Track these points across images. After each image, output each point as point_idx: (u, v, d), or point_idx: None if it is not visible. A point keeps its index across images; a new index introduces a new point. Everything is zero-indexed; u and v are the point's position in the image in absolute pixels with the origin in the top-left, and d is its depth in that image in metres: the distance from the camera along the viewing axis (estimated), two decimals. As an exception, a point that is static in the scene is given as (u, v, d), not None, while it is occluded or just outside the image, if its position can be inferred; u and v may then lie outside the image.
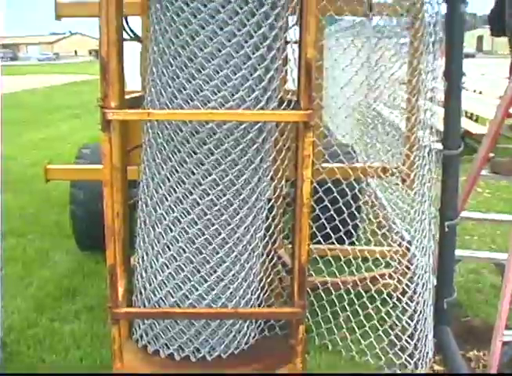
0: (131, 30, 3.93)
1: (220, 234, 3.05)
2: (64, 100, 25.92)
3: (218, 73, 2.86)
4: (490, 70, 18.36)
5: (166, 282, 3.14)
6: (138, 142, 3.35)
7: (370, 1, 3.64)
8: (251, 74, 2.90)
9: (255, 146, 3.00)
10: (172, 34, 2.91)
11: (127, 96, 3.36)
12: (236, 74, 2.87)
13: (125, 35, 3.58)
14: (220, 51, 2.84)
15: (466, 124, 11.91)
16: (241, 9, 2.81)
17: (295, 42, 3.16)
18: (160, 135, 3.05)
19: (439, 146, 3.82)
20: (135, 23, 4.00)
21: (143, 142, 3.22)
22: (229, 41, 2.83)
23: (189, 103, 2.91)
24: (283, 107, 3.17)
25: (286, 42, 3.33)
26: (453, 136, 3.78)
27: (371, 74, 3.96)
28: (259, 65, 2.91)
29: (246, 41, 2.85)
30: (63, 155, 11.12)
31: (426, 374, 3.73)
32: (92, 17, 4.22)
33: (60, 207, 7.62)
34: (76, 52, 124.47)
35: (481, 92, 15.77)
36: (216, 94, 2.88)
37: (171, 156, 3.03)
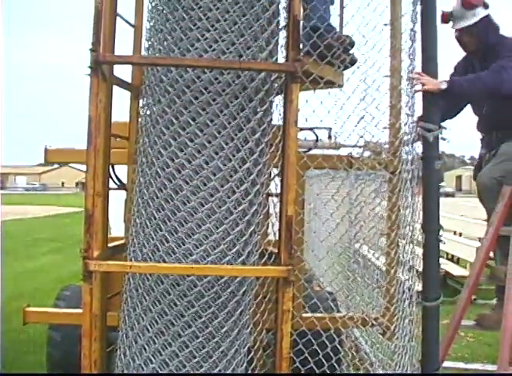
0: (118, 179, 4.04)
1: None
2: (48, 232, 25.90)
3: (200, 227, 2.93)
4: (469, 211, 18.68)
5: None
6: (119, 288, 3.36)
7: (349, 158, 3.79)
8: (233, 229, 2.96)
9: (235, 299, 3.01)
10: (157, 188, 3.01)
11: (110, 244, 3.39)
12: (218, 228, 2.93)
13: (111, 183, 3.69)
14: (203, 205, 2.92)
15: (447, 265, 12.01)
16: (224, 165, 2.92)
17: (277, 195, 3.25)
18: (141, 285, 3.06)
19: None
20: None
21: (124, 290, 3.22)
22: (212, 196, 2.93)
23: (171, 256, 2.95)
24: (263, 260, 3.20)
25: (268, 195, 3.42)
26: (432, 288, 3.80)
27: (352, 210, 4.06)
28: (240, 219, 2.98)
29: (228, 197, 2.94)
30: (44, 290, 10.96)
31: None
32: (80, 164, 4.35)
33: (37, 347, 7.42)
34: (63, 183, 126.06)
35: (461, 234, 16.02)
36: (198, 248, 2.93)
37: (151, 307, 3.02)
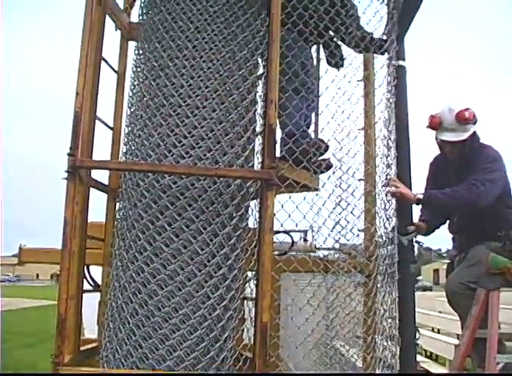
0: (93, 279, 3.99)
1: None
2: (20, 326, 25.23)
3: (174, 332, 2.89)
4: (447, 306, 18.53)
5: None
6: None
7: (325, 261, 3.79)
8: (207, 334, 2.93)
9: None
10: (131, 292, 3.00)
11: (83, 347, 3.32)
12: (192, 333, 2.89)
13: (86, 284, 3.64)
14: (177, 311, 2.90)
15: (425, 364, 11.81)
16: (200, 271, 2.93)
17: (251, 299, 3.23)
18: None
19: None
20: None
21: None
22: (187, 301, 2.91)
23: (144, 362, 2.90)
24: (238, 365, 3.14)
25: (244, 299, 3.39)
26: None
27: (328, 314, 4.01)
28: (215, 325, 2.95)
29: (203, 303, 2.93)
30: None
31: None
32: (53, 264, 4.31)
33: None
34: (37, 275, 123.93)
35: (439, 331, 15.89)
36: (172, 354, 2.88)
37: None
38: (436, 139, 4.61)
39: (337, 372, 4.00)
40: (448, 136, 4.47)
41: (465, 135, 4.41)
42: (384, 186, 3.77)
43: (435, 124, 4.49)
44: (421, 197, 3.95)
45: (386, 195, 3.76)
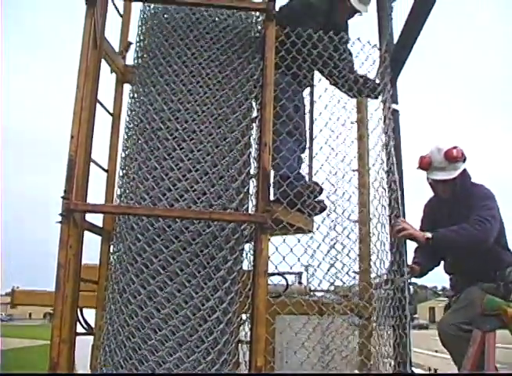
0: (86, 322, 3.96)
1: None
2: (10, 368, 24.87)
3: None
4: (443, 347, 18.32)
5: None
6: None
7: (320, 304, 3.77)
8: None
9: None
10: (125, 336, 2.97)
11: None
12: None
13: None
14: (171, 355, 2.86)
15: (423, 404, 11.65)
16: (194, 315, 2.91)
17: (246, 343, 3.19)
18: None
19: None
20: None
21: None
22: (181, 345, 2.89)
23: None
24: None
25: (238, 342, 3.36)
26: None
27: (324, 356, 3.96)
28: (209, 369, 2.91)
29: (197, 347, 2.90)
30: None
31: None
32: (46, 306, 4.27)
33: None
34: (30, 314, 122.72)
35: (436, 371, 15.70)
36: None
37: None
38: (427, 179, 4.64)
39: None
40: (438, 175, 4.50)
41: (455, 173, 4.44)
42: (392, 226, 3.78)
43: (425, 164, 4.53)
44: (430, 235, 3.95)
45: (391, 236, 3.76)
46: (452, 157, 4.41)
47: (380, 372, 3.67)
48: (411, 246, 4.22)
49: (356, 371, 3.94)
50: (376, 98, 3.98)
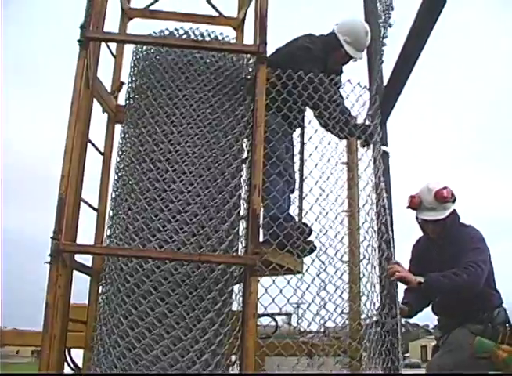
0: (74, 363, 3.92)
1: None
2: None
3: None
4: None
5: None
6: None
7: (310, 346, 3.74)
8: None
9: None
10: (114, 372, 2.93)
11: None
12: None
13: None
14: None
15: None
16: (182, 357, 2.88)
17: None
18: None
19: None
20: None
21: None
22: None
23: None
24: None
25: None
26: None
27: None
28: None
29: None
30: None
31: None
32: (33, 346, 4.23)
33: None
34: (18, 351, 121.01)
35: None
36: None
37: None
38: (417, 218, 4.64)
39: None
40: (428, 215, 4.51)
41: (445, 214, 4.45)
42: (386, 269, 3.78)
43: (415, 204, 4.53)
44: (422, 280, 3.95)
45: (382, 278, 3.75)
46: (443, 198, 4.42)
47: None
48: (402, 288, 4.22)
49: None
50: (368, 143, 4.01)
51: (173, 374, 2.90)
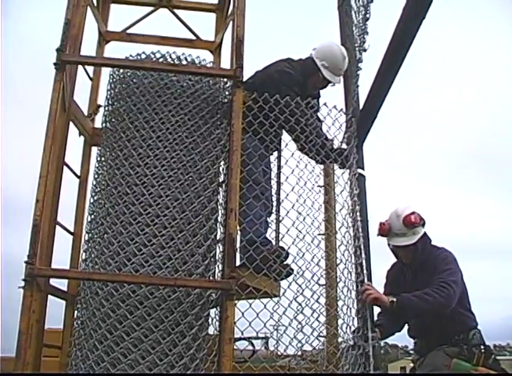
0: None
1: None
2: None
3: None
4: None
5: None
6: None
7: (287, 369, 3.73)
8: None
9: None
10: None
11: None
12: None
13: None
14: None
15: None
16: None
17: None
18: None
19: None
20: None
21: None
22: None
23: None
24: None
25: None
26: None
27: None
28: None
29: None
30: None
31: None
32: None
33: None
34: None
35: None
36: None
37: None
38: (388, 245, 4.66)
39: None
40: (398, 241, 4.52)
41: (415, 239, 4.46)
42: (359, 291, 3.78)
43: (384, 231, 4.54)
44: (394, 299, 3.95)
45: (357, 300, 3.75)
46: (411, 223, 4.44)
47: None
48: (377, 311, 4.22)
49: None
50: (344, 167, 4.03)
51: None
